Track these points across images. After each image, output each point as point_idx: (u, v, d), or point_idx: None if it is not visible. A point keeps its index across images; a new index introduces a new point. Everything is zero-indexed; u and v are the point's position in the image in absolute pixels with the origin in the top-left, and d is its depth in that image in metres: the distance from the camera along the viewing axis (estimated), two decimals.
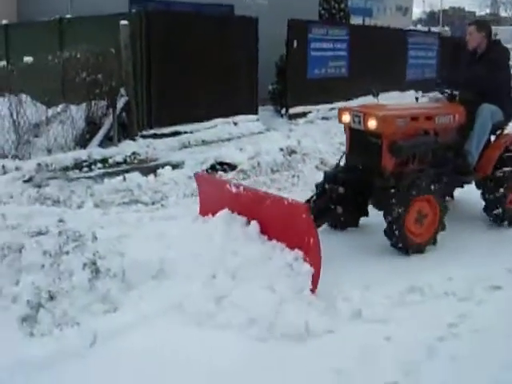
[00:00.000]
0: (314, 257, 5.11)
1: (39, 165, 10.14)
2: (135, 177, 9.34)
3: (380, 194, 6.49)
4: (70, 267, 5.20)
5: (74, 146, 11.42)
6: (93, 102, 11.85)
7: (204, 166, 10.12)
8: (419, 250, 6.43)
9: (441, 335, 4.69)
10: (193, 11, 16.10)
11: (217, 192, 6.21)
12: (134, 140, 12.04)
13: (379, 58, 19.95)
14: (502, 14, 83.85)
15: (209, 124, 13.77)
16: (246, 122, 14.47)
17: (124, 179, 9.19)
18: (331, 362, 4.28)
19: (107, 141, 11.79)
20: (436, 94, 7.91)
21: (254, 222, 5.60)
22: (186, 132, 13.22)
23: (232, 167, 10.21)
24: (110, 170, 10.35)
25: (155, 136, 12.62)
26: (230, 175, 9.79)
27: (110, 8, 14.89)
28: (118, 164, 10.78)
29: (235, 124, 14.17)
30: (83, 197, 8.60)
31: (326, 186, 6.72)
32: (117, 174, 9.89)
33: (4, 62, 11.28)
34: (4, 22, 17.11)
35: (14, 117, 10.98)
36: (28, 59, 11.26)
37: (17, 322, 4.70)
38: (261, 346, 4.46)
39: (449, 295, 5.43)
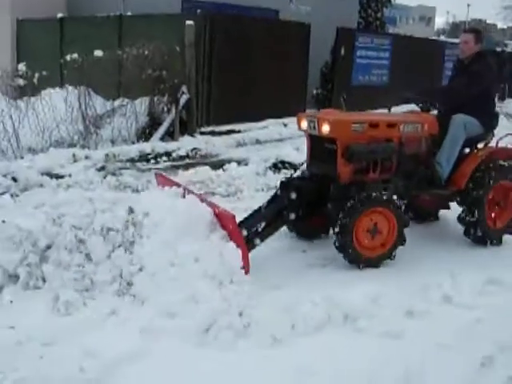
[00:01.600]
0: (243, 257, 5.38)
1: (107, 155, 10.62)
2: (205, 170, 9.80)
3: (332, 203, 6.26)
4: None
5: (137, 139, 11.92)
6: (155, 98, 12.35)
7: (267, 163, 10.53)
8: (371, 264, 6.18)
9: None
10: (250, 15, 16.62)
11: None
12: (192, 136, 12.51)
13: (418, 67, 20.39)
14: None
15: (261, 124, 14.23)
16: (294, 124, 14.84)
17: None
18: (434, 338, 4.76)
19: (167, 136, 12.27)
20: (414, 107, 7.38)
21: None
22: (239, 131, 13.69)
23: (293, 166, 10.63)
24: (175, 163, 10.79)
25: (213, 133, 13.09)
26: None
27: (162, 7, 15.42)
28: (181, 158, 11.22)
29: (285, 125, 14.61)
30: None
31: (278, 193, 6.54)
32: (184, 166, 10.37)
33: (76, 55, 11.70)
34: (59, 15, 17.56)
35: (83, 108, 11.50)
36: (98, 53, 11.75)
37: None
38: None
39: None
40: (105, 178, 9.30)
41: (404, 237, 6.31)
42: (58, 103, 11.35)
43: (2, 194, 8.45)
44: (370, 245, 6.19)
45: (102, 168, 10.02)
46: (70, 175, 9.43)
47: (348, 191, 6.14)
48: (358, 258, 6.11)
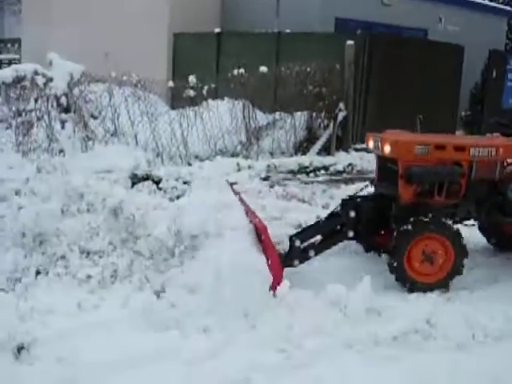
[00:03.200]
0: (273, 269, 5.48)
1: (269, 166, 11.09)
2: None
3: (395, 223, 6.22)
4: None
5: (295, 152, 12.40)
6: (313, 113, 12.82)
7: None
8: (425, 289, 5.97)
9: None
10: (400, 35, 16.90)
11: None
12: (347, 152, 12.87)
13: None
14: None
15: None
16: None
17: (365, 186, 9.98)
18: None
19: (323, 151, 12.69)
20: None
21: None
22: None
23: None
24: (334, 178, 11.15)
25: (366, 150, 13.38)
26: None
27: (315, 24, 15.91)
28: (338, 172, 11.55)
29: None
30: (325, 198, 9.45)
31: (337, 210, 6.62)
32: (343, 181, 10.72)
33: (242, 70, 12.30)
34: (217, 30, 18.32)
35: (247, 120, 12.11)
36: (263, 69, 12.34)
37: None
38: None
39: None
40: (271, 187, 9.78)
41: (461, 268, 6.08)
42: (223, 114, 11.99)
43: (179, 197, 9.08)
44: (423, 270, 6.04)
45: (266, 178, 10.50)
46: (237, 183, 9.96)
47: (410, 212, 6.08)
48: (409, 282, 6.00)
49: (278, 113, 13.02)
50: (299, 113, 12.70)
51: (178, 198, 9.06)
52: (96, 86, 11.23)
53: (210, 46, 17.92)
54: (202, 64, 16.99)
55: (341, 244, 6.63)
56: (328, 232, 6.43)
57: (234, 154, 11.78)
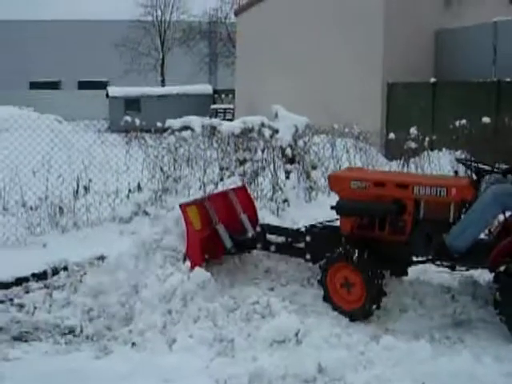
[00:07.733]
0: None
1: None
2: None
3: None
4: None
5: None
6: None
7: None
8: (351, 316, 6.20)
9: None
10: None
11: None
12: None
13: None
14: None
15: None
16: None
17: None
18: None
19: None
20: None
21: None
22: None
23: None
24: None
25: None
26: None
27: None
28: None
29: None
30: None
31: (300, 229, 7.18)
32: None
33: (464, 121, 12.12)
34: (432, 80, 18.24)
35: (469, 172, 11.85)
36: (485, 119, 12.09)
37: None
38: None
39: None
40: None
41: (376, 299, 6.17)
42: (444, 166, 11.85)
43: None
44: (345, 297, 6.30)
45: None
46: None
47: (355, 244, 6.30)
48: (335, 307, 6.34)
49: (500, 164, 12.68)
50: None
51: None
52: (318, 137, 11.54)
53: (425, 96, 17.84)
54: (415, 113, 16.99)
55: None
56: (290, 241, 7.06)
57: None
